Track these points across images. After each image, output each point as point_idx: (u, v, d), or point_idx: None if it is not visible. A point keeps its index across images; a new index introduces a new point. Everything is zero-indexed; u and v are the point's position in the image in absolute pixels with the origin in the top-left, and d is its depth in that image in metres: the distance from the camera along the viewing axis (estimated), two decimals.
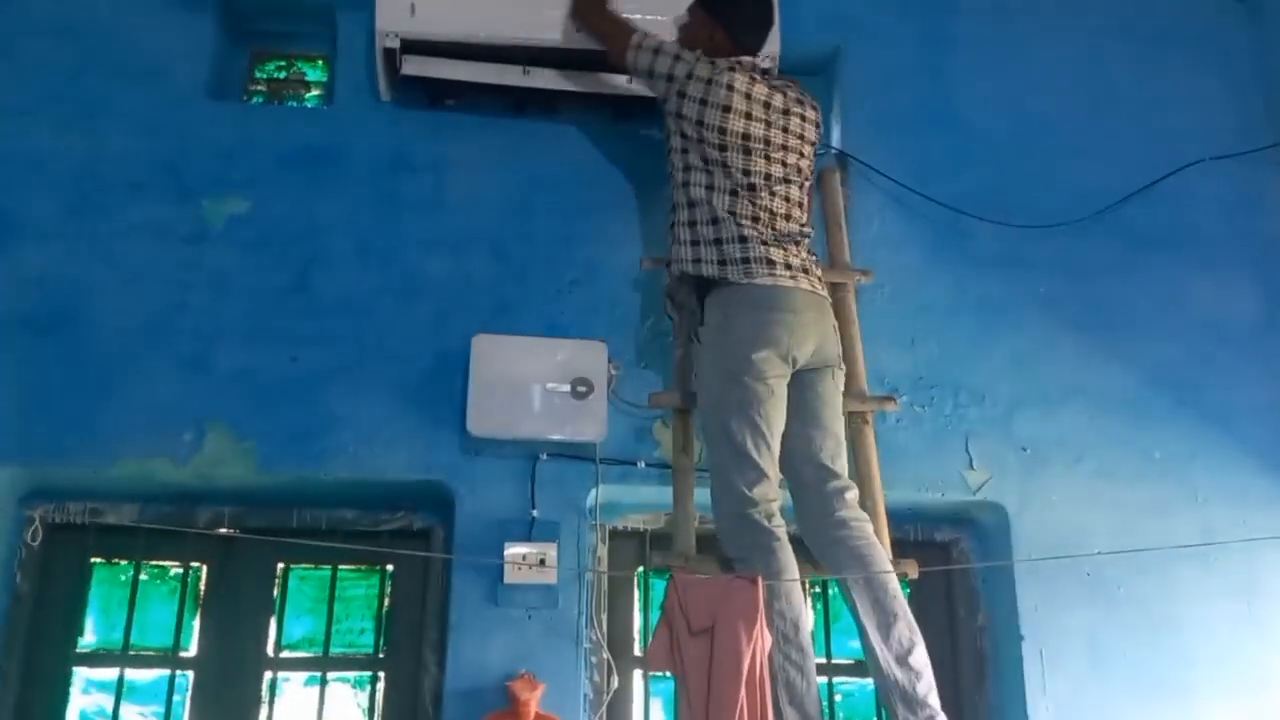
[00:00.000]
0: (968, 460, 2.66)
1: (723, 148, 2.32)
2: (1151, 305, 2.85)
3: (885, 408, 2.56)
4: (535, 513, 2.46)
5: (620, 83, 2.66)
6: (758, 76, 2.41)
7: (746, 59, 2.43)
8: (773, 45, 2.66)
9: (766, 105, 2.37)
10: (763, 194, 2.32)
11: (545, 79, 2.65)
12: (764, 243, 2.28)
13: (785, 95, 2.41)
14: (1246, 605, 2.63)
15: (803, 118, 2.43)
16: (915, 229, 2.81)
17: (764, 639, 1.76)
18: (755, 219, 2.29)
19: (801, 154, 2.42)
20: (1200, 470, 2.73)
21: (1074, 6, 3.07)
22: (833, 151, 2.84)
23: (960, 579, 2.77)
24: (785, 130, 2.39)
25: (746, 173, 2.32)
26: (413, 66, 2.61)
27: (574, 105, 2.76)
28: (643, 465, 2.55)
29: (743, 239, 2.28)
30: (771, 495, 2.19)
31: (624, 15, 2.52)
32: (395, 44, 2.58)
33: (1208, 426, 2.76)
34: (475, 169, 2.72)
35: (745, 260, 2.26)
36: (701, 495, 2.41)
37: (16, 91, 2.69)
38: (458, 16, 2.60)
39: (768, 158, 2.35)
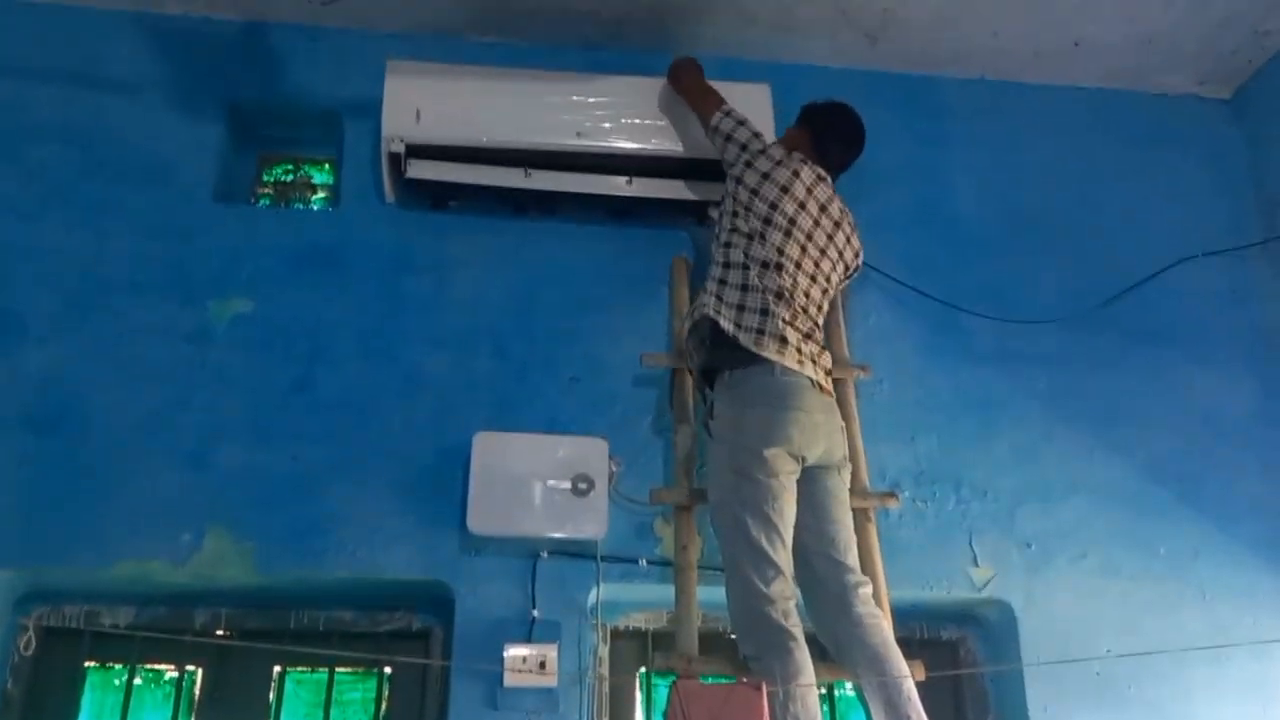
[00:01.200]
0: (972, 557, 2.65)
1: (767, 221, 2.40)
2: (1149, 399, 2.87)
3: (887, 504, 2.55)
4: (536, 613, 2.43)
5: (619, 184, 2.72)
6: (827, 182, 2.51)
7: (819, 169, 2.53)
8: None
9: (822, 208, 2.47)
10: (787, 277, 2.37)
11: (546, 181, 2.70)
12: (783, 320, 2.32)
13: (841, 212, 2.53)
14: (1260, 706, 2.58)
15: (848, 240, 2.54)
16: (912, 324, 2.84)
17: None
18: (779, 295, 2.34)
19: (834, 268, 2.50)
20: (1205, 566, 2.71)
21: (1063, 106, 3.16)
22: None
23: (969, 679, 2.72)
24: (830, 238, 2.47)
25: (780, 252, 2.38)
26: (417, 170, 2.67)
27: (573, 205, 2.80)
28: (644, 563, 2.52)
29: (764, 311, 2.32)
30: (788, 593, 2.17)
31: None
32: (400, 149, 2.64)
33: (1211, 521, 2.76)
34: (477, 268, 2.75)
35: (760, 331, 2.30)
36: (705, 593, 2.40)
37: (23, 194, 2.72)
38: (461, 122, 2.67)
39: (803, 249, 2.42)
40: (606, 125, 2.70)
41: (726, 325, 2.31)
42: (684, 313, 2.69)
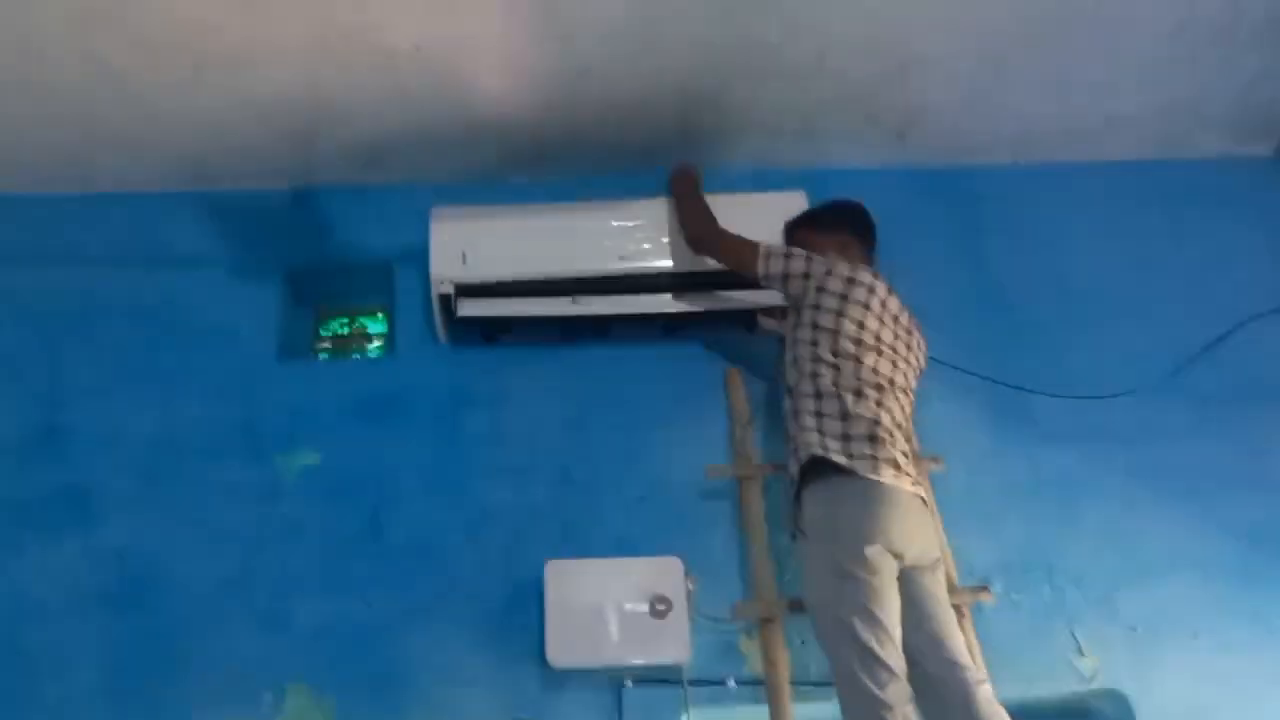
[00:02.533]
0: (1076, 646, 2.52)
1: (859, 342, 2.36)
2: (1236, 463, 2.75)
3: (981, 599, 2.45)
4: None
5: (665, 301, 2.74)
6: (889, 288, 2.50)
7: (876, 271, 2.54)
8: None
9: (895, 319, 2.46)
10: (888, 397, 2.33)
11: (593, 305, 2.74)
12: (890, 444, 2.26)
13: (904, 312, 2.52)
14: None
15: (919, 344, 2.54)
16: (979, 410, 2.78)
17: None
18: (877, 421, 2.28)
19: (914, 373, 2.48)
20: None
21: (1101, 181, 3.14)
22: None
23: None
24: (908, 347, 2.47)
25: (875, 372, 2.34)
26: (467, 308, 2.72)
27: (623, 326, 2.82)
28: (733, 684, 2.43)
29: (872, 438, 2.25)
30: (905, 695, 2.05)
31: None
32: (450, 290, 2.70)
33: None
34: (533, 397, 2.77)
35: (874, 458, 2.23)
36: (802, 712, 2.29)
37: (95, 373, 2.82)
38: (506, 259, 2.72)
39: (894, 364, 2.40)
40: (647, 246, 2.75)
41: (840, 459, 2.23)
42: (743, 422, 2.67)
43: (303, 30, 2.58)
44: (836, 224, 2.64)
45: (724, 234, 2.63)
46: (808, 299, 2.44)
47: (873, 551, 2.13)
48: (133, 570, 2.57)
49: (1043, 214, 3.10)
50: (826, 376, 2.34)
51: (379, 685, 2.42)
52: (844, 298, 2.39)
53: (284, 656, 2.44)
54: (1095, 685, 2.48)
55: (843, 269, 2.44)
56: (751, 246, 2.55)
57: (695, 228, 2.69)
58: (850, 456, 2.23)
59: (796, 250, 2.51)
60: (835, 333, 2.36)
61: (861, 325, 2.37)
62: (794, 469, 2.35)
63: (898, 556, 2.17)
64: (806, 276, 2.45)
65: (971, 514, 2.62)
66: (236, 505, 2.64)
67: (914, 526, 2.22)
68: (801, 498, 2.30)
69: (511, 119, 2.89)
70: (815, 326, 2.40)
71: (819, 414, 2.31)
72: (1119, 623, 2.55)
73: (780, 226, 2.74)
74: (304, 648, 2.45)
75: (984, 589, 2.46)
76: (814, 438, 2.28)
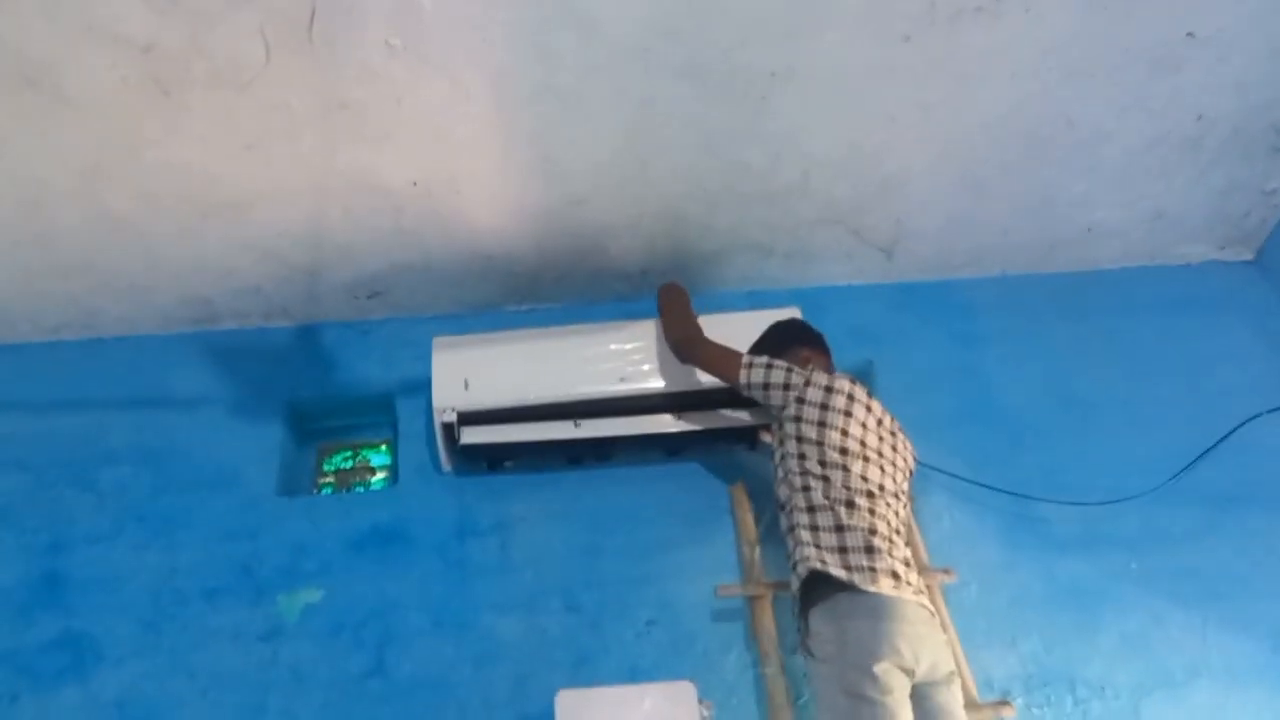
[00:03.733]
0: None
1: (844, 450, 2.35)
2: (1250, 565, 2.72)
3: (1003, 714, 2.39)
4: None
5: (666, 421, 2.76)
6: (869, 391, 2.51)
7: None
8: None
9: (879, 422, 2.46)
10: (880, 504, 2.32)
11: (596, 428, 2.75)
12: (888, 554, 2.24)
13: (891, 419, 2.52)
14: None
15: (905, 445, 2.53)
16: (987, 521, 2.77)
17: None
18: (873, 530, 2.26)
19: (901, 479, 2.45)
20: None
21: (1089, 289, 3.22)
22: None
23: None
24: (894, 450, 2.46)
25: (865, 479, 2.33)
26: (471, 435, 2.72)
27: (626, 448, 2.82)
28: None
29: (869, 549, 2.23)
30: None
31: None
32: (453, 418, 2.71)
33: None
34: (539, 524, 2.75)
35: (873, 569, 2.20)
36: None
37: (98, 518, 2.80)
38: (508, 386, 2.75)
39: (882, 469, 2.39)
40: (646, 367, 2.78)
41: (839, 573, 2.21)
42: (750, 540, 2.65)
43: (302, 173, 2.67)
44: (790, 342, 2.65)
45: (708, 342, 2.66)
46: (789, 410, 2.44)
47: (882, 669, 2.08)
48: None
49: (1035, 322, 3.16)
50: (817, 489, 2.33)
51: None
52: (825, 407, 2.40)
53: None
54: None
55: (820, 378, 2.45)
56: (735, 355, 2.57)
57: (679, 333, 2.72)
58: (849, 569, 2.20)
59: (778, 361, 2.52)
60: (820, 444, 2.36)
61: (845, 433, 2.37)
62: (795, 585, 2.32)
63: (908, 672, 2.12)
64: (787, 387, 2.46)
65: (987, 626, 2.59)
66: (238, 649, 2.58)
67: (922, 638, 2.17)
68: (807, 616, 2.26)
69: (507, 250, 2.97)
70: (800, 439, 2.40)
71: (814, 528, 2.29)
72: None
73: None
74: None
75: (1006, 703, 2.39)
76: (811, 552, 2.26)
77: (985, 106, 2.73)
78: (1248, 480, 2.86)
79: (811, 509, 2.32)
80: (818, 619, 2.22)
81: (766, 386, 2.49)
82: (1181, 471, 2.83)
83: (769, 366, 2.50)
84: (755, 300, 3.06)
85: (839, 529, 2.26)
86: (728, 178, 2.81)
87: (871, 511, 2.29)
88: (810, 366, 2.52)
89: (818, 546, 2.26)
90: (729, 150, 2.74)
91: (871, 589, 2.17)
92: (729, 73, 2.56)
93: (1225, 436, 2.90)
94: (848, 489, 2.31)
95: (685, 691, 2.38)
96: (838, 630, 2.18)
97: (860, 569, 2.20)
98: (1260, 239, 3.24)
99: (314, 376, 3.06)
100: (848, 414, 2.39)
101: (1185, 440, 2.90)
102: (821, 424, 2.38)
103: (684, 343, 2.70)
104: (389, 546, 2.73)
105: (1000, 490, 2.78)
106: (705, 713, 2.37)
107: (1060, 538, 2.74)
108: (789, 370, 2.48)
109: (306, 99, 2.50)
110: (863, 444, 2.38)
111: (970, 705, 2.31)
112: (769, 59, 2.55)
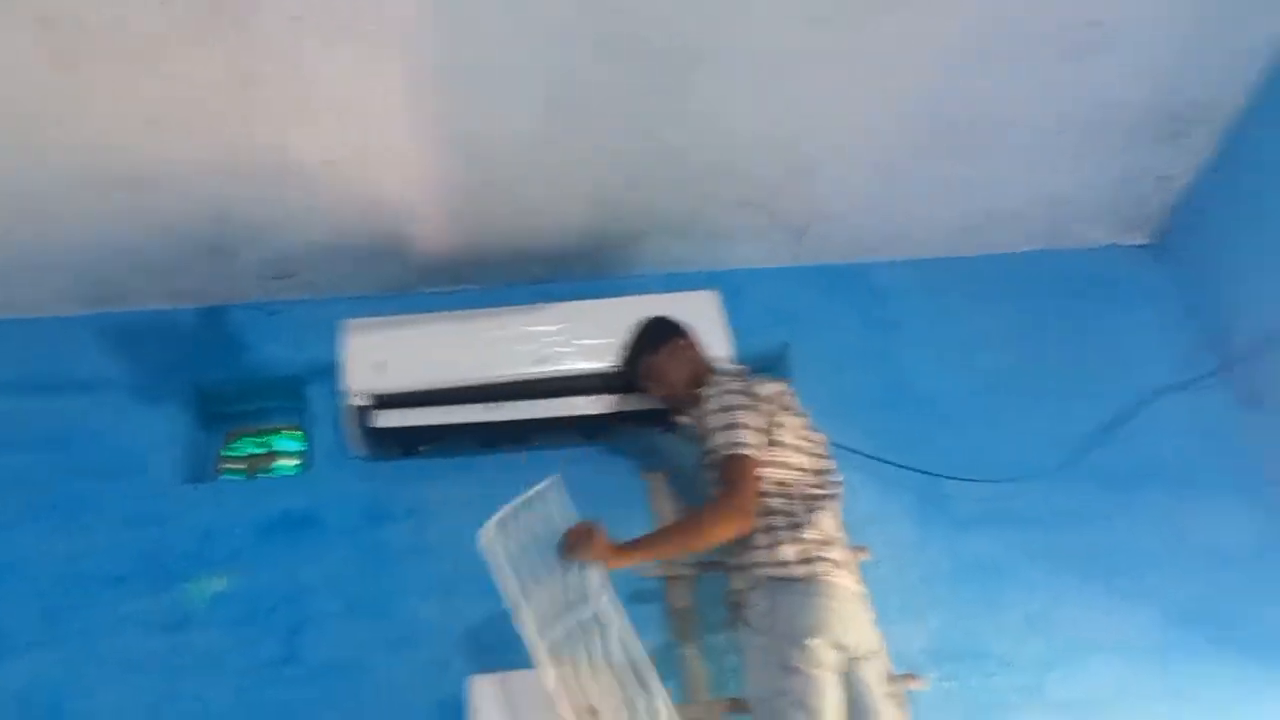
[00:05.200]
0: None
1: (793, 447, 2.37)
2: (1151, 543, 2.82)
3: (914, 687, 2.43)
4: None
5: (582, 404, 2.75)
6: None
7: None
8: (726, 351, 2.80)
9: (802, 414, 2.47)
10: (826, 500, 2.35)
11: (512, 411, 2.73)
12: (834, 546, 2.28)
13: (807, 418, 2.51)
14: None
15: (821, 437, 2.52)
16: (898, 500, 2.82)
17: None
18: (814, 524, 2.28)
19: (832, 468, 2.47)
20: (1249, 703, 2.59)
21: (997, 273, 3.28)
22: None
23: None
24: (817, 442, 2.46)
25: (804, 471, 2.36)
26: (383, 420, 2.69)
27: (543, 432, 2.81)
28: None
29: (822, 543, 2.26)
30: None
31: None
32: (365, 402, 2.67)
33: (1246, 659, 2.65)
34: (453, 508, 2.71)
35: (822, 559, 2.24)
36: None
37: (3, 507, 2.70)
38: (421, 368, 2.71)
39: (818, 457, 2.42)
40: (562, 350, 2.76)
41: (800, 570, 2.22)
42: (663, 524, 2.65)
43: (207, 149, 2.60)
44: (667, 336, 2.64)
45: (727, 493, 2.29)
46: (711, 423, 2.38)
47: (817, 644, 2.12)
48: (39, 708, 2.42)
49: (944, 306, 3.21)
50: (777, 497, 2.31)
51: None
52: (768, 414, 2.38)
53: None
54: None
55: (755, 387, 2.41)
56: (743, 461, 2.29)
57: (714, 521, 2.29)
58: (808, 562, 2.23)
59: (722, 418, 2.34)
60: (779, 444, 2.35)
61: (783, 426, 2.38)
62: (743, 579, 2.31)
63: (841, 649, 2.16)
64: (761, 430, 2.35)
65: (900, 602, 2.63)
66: (147, 636, 2.51)
67: (854, 616, 2.23)
68: (748, 594, 2.27)
69: (423, 230, 2.92)
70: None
71: (770, 528, 2.28)
72: (1051, 707, 2.55)
73: (693, 326, 2.79)
74: None
75: (914, 676, 2.44)
76: (763, 555, 2.26)
77: (897, 91, 2.77)
78: (1147, 460, 2.95)
79: (769, 511, 2.30)
80: (758, 596, 2.24)
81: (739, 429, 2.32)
82: (1083, 451, 2.92)
83: (743, 427, 2.31)
84: (672, 283, 3.06)
85: (794, 526, 2.27)
86: (647, 158, 2.81)
87: (822, 509, 2.32)
88: (692, 354, 2.58)
89: (772, 546, 2.25)
90: (649, 130, 2.73)
91: (825, 579, 2.21)
92: (649, 52, 2.55)
93: (1125, 418, 2.99)
94: (796, 486, 2.33)
95: None
96: (774, 605, 2.20)
97: (810, 560, 2.23)
98: (1157, 223, 3.34)
99: (221, 359, 2.98)
100: (786, 409, 2.41)
101: (1088, 420, 2.99)
102: (767, 429, 2.36)
103: (685, 536, 2.35)
104: (300, 532, 2.68)
105: (911, 469, 2.84)
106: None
107: (968, 516, 2.81)
108: (744, 410, 2.34)
109: (210, 72, 2.43)
110: (799, 438, 2.40)
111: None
112: (689, 39, 2.55)
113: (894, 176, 3.02)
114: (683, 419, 2.72)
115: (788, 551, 2.24)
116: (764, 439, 2.34)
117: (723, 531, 2.24)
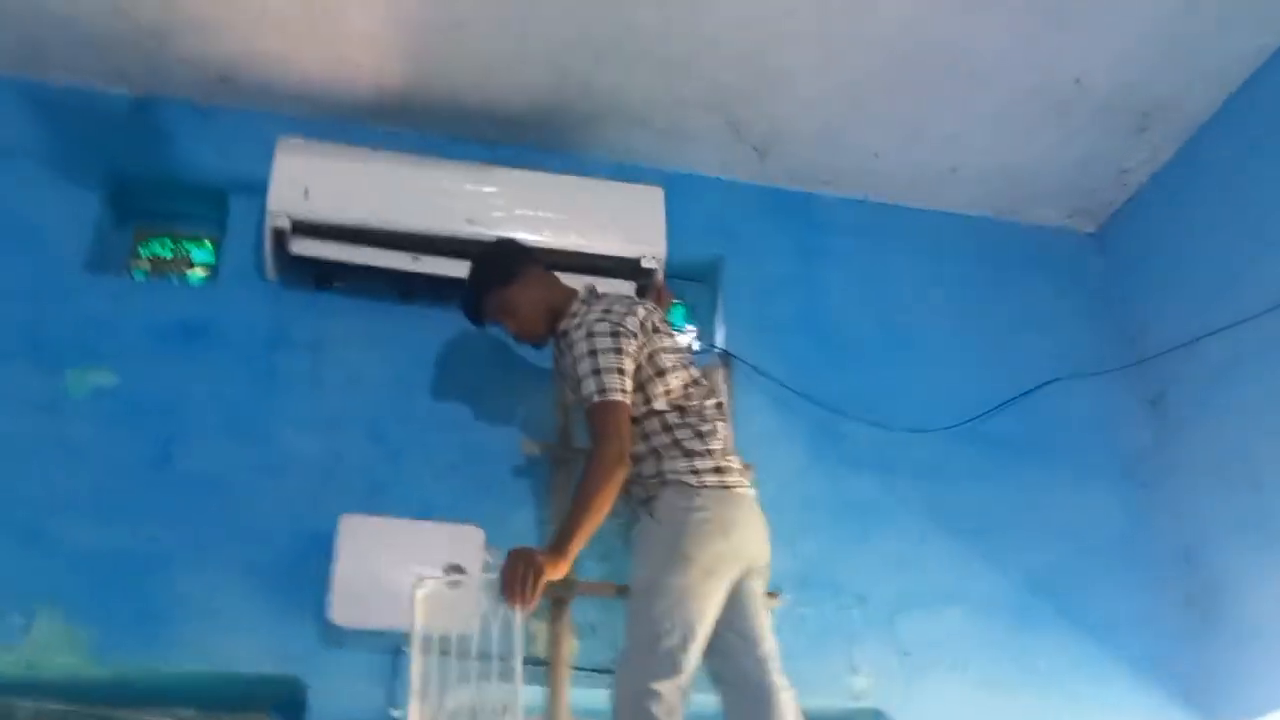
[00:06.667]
0: (850, 664, 2.60)
1: (675, 368, 2.33)
2: (1023, 513, 2.91)
3: (770, 605, 2.49)
4: (395, 713, 2.26)
5: None
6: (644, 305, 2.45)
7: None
8: (660, 250, 2.78)
9: (654, 329, 2.38)
10: (720, 411, 2.36)
11: (436, 265, 2.68)
12: (735, 456, 2.32)
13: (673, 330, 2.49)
14: None
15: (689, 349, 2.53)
16: (795, 428, 2.86)
17: None
18: (714, 433, 2.29)
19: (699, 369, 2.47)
20: (1082, 680, 2.72)
21: (940, 230, 3.30)
22: (717, 350, 2.90)
23: None
24: (686, 353, 2.46)
25: (699, 385, 2.37)
26: (302, 247, 2.62)
27: (460, 294, 2.76)
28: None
29: (726, 452, 2.29)
30: (679, 695, 2.05)
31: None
32: (286, 225, 2.59)
33: (1087, 636, 2.78)
34: (357, 349, 2.68)
35: (730, 469, 2.26)
36: (579, 696, 2.29)
37: None
38: (350, 202, 2.64)
39: (695, 370, 2.41)
40: (497, 214, 2.71)
41: (711, 480, 2.22)
42: (567, 402, 2.64)
43: None
44: (525, 263, 2.47)
45: (602, 446, 2.19)
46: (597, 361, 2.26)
47: (717, 550, 2.15)
48: None
49: (882, 251, 3.22)
50: (654, 419, 2.28)
51: (143, 621, 2.28)
52: (634, 334, 2.29)
53: (40, 578, 2.27)
54: (863, 704, 2.57)
55: (632, 321, 2.30)
56: (613, 408, 2.21)
57: (604, 478, 2.16)
58: (719, 471, 2.24)
59: (600, 363, 2.22)
60: (662, 372, 2.31)
61: (666, 351, 2.34)
62: (652, 484, 2.27)
63: (739, 560, 2.19)
64: (639, 367, 2.29)
65: (774, 523, 2.60)
66: (17, 416, 2.45)
67: (756, 532, 2.26)
68: (660, 490, 2.23)
69: (378, 62, 2.82)
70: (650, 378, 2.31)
71: (676, 443, 2.26)
72: (895, 647, 2.65)
73: (637, 220, 2.76)
74: (64, 572, 2.28)
75: (773, 594, 2.50)
76: (681, 464, 2.23)
77: (876, 18, 2.72)
78: (1037, 437, 3.04)
79: (668, 427, 2.27)
80: (669, 490, 2.22)
81: (597, 373, 2.22)
82: (979, 416, 2.98)
83: (620, 372, 2.22)
84: (620, 173, 3.02)
85: (699, 436, 2.26)
86: (617, 33, 2.72)
87: (701, 419, 2.30)
88: (548, 281, 2.46)
89: (687, 457, 2.24)
90: (623, 4, 2.65)
91: (739, 490, 2.25)
92: None
93: (1025, 393, 3.06)
94: (666, 400, 2.29)
95: (472, 535, 2.40)
96: (687, 505, 2.18)
97: (718, 471, 2.24)
98: (1106, 214, 3.38)
99: (144, 153, 2.86)
100: (656, 332, 2.36)
101: (992, 388, 3.04)
102: (653, 353, 2.31)
103: (610, 469, 2.17)
104: (194, 343, 2.62)
105: (814, 402, 2.87)
106: (489, 559, 2.40)
107: (857, 456, 2.86)
108: (616, 351, 2.24)
109: None
110: (678, 352, 2.38)
111: None
112: None
113: (860, 108, 2.99)
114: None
115: (699, 463, 2.24)
116: (636, 377, 2.27)
117: (614, 482, 2.14)
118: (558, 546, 2.10)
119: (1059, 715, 2.65)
